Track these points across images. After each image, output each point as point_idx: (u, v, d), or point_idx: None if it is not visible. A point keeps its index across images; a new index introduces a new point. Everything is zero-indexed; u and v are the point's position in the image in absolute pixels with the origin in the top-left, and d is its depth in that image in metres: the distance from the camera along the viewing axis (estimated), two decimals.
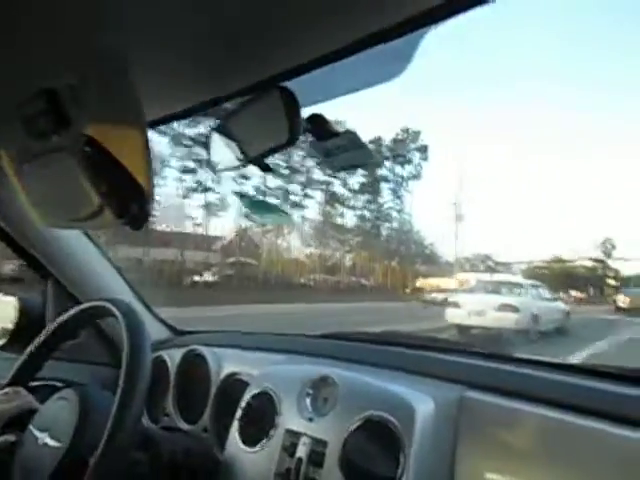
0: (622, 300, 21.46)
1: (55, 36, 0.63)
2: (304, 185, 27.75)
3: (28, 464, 0.82)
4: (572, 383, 0.84)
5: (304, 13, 0.60)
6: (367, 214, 31.88)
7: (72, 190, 0.74)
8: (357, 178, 29.42)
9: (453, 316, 10.65)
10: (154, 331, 1.48)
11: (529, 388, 0.84)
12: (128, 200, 0.69)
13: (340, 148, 0.84)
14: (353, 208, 31.02)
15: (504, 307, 10.08)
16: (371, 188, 30.89)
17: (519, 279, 15.00)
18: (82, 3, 0.56)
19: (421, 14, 0.59)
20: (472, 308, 10.29)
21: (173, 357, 1.36)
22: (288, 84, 0.73)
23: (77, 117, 0.72)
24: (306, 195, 28.17)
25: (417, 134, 30.63)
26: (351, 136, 0.84)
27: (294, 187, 27.55)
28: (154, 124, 0.88)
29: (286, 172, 26.35)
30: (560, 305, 12.61)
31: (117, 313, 0.87)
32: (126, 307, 0.89)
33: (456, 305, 10.93)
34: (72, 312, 0.99)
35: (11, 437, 0.87)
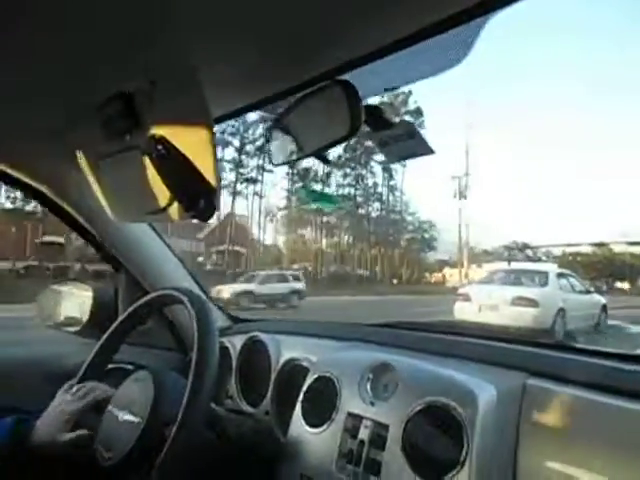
0: None
1: (130, 39, 0.67)
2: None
3: (110, 439, 0.88)
4: (634, 371, 0.83)
5: (365, 4, 0.61)
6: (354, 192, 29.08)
7: (144, 186, 0.79)
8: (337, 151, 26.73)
9: (462, 311, 8.98)
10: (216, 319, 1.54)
11: (591, 377, 0.83)
12: (197, 195, 0.73)
13: (396, 138, 0.85)
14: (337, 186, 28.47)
15: (520, 300, 8.33)
16: (356, 164, 28.15)
17: (545, 266, 12.44)
18: (153, 6, 0.60)
19: (481, 2, 0.59)
20: (484, 302, 8.62)
21: (234, 344, 1.42)
22: (348, 76, 0.75)
23: (149, 118, 0.76)
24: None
25: (408, 96, 27.71)
26: (406, 126, 0.85)
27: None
28: (218, 120, 0.92)
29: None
30: (595, 297, 10.64)
31: (186, 301, 0.92)
32: (195, 296, 0.94)
33: (467, 298, 9.23)
34: (144, 299, 1.05)
35: (84, 432, 0.93)
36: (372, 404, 0.95)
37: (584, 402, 0.79)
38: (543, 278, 9.28)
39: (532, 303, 8.27)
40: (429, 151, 0.87)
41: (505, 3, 0.60)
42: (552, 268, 10.94)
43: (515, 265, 12.73)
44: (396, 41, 0.68)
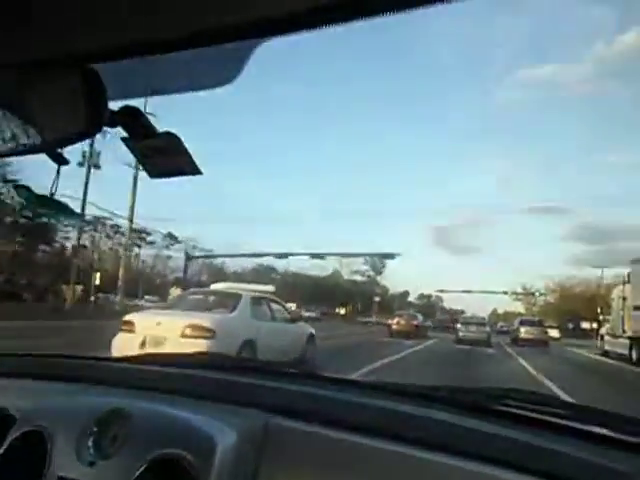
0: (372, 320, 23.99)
1: None
2: None
3: None
4: (376, 405, 0.87)
5: None
6: None
7: None
8: None
9: (121, 346, 6.69)
10: None
11: (334, 411, 0.84)
12: None
13: (158, 151, 0.74)
14: None
15: (192, 331, 6.66)
16: None
17: (248, 286, 10.29)
18: None
19: (261, 20, 0.55)
20: (150, 333, 6.73)
21: None
22: (99, 68, 0.61)
23: None
24: None
25: None
26: (172, 139, 0.74)
27: None
28: None
29: None
30: (302, 326, 9.31)
31: None
32: None
33: (131, 329, 6.98)
34: None
35: None
36: (91, 464, 0.78)
37: (324, 439, 0.79)
38: (235, 302, 7.62)
39: (208, 333, 6.65)
40: (196, 171, 0.78)
41: (285, 30, 0.57)
42: (254, 289, 9.33)
43: (219, 285, 10.18)
44: (164, 42, 0.59)
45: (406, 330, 24.25)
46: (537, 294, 64.36)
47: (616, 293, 18.65)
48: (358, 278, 79.10)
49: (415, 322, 25.76)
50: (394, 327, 25.39)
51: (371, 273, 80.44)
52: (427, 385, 1.08)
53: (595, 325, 39.26)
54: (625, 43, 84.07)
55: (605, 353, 18.82)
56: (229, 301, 7.77)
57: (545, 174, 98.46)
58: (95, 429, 0.82)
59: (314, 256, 41.48)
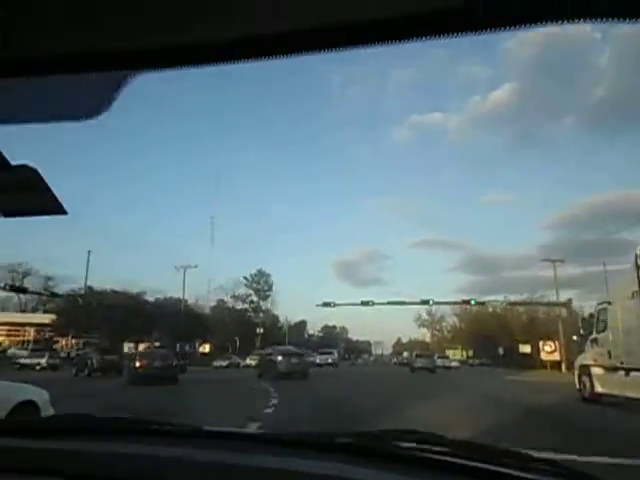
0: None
1: None
2: None
3: None
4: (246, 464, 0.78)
5: None
6: None
7: None
8: None
9: None
10: None
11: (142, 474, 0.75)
12: None
13: (12, 185, 0.65)
14: None
15: None
16: None
17: None
18: None
19: (123, 54, 0.51)
20: None
21: None
22: None
23: None
24: None
25: None
26: (30, 173, 0.66)
27: None
28: None
29: None
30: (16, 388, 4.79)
31: None
32: None
33: None
34: None
35: None
36: None
37: None
38: None
39: None
40: (60, 210, 0.70)
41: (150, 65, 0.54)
42: None
43: None
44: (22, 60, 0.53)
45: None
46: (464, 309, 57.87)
47: (620, 296, 10.46)
48: (239, 306, 63.00)
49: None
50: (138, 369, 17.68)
51: (254, 298, 64.95)
52: (319, 432, 1.01)
53: (527, 350, 39.08)
54: (495, 98, 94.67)
55: (593, 396, 11.10)
56: None
57: (435, 210, 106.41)
58: None
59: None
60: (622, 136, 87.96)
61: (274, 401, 10.23)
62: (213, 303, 60.23)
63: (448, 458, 0.83)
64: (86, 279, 40.25)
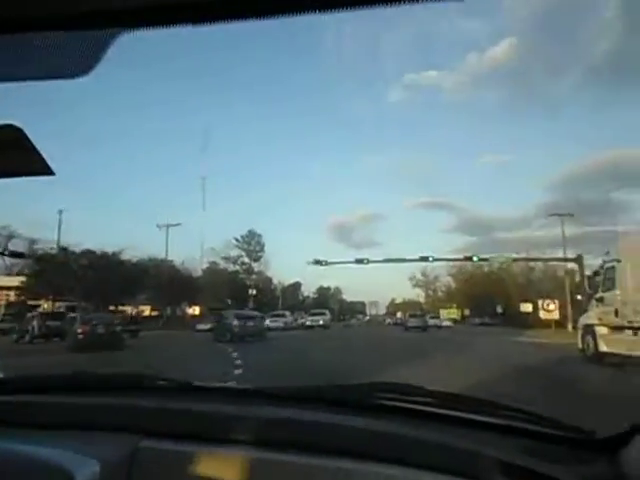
0: None
1: None
2: None
3: None
4: (254, 414, 0.83)
5: None
6: None
7: None
8: None
9: None
10: None
11: (210, 426, 0.80)
12: None
13: None
14: None
15: None
16: None
17: None
18: None
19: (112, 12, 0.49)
20: None
21: None
22: None
23: None
24: None
25: None
26: (14, 133, 0.64)
27: None
28: None
29: None
30: None
31: None
32: None
33: None
34: None
35: None
36: None
37: (197, 457, 0.74)
38: None
39: None
40: (47, 171, 0.68)
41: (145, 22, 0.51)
42: None
43: None
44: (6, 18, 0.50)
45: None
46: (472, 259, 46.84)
47: (631, 254, 10.31)
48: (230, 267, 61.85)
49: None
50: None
51: (246, 260, 63.68)
52: (306, 386, 1.07)
53: (529, 309, 37.39)
54: (494, 54, 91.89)
55: (597, 356, 10.75)
56: None
57: (433, 171, 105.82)
58: None
59: None
60: (626, 92, 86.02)
61: (238, 369, 9.44)
62: (206, 265, 58.73)
63: (428, 408, 0.85)
64: (59, 238, 39.28)
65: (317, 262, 40.29)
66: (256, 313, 25.57)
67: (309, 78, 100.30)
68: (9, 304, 41.47)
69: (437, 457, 0.70)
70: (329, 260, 40.53)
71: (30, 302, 39.62)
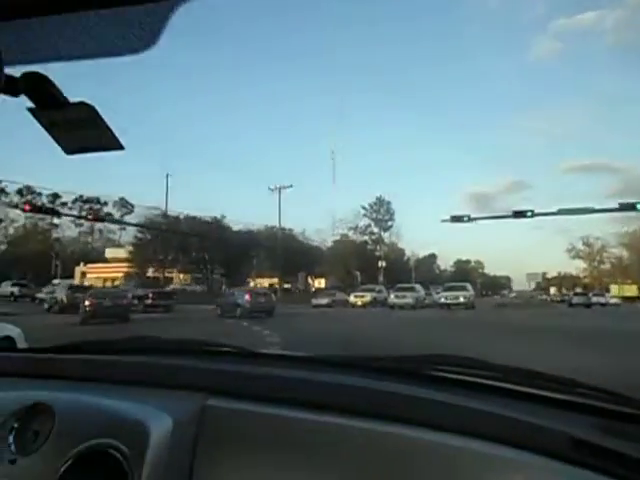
0: None
1: None
2: None
3: None
4: (317, 379, 0.83)
5: None
6: None
7: None
8: None
9: None
10: None
11: (273, 388, 0.81)
12: None
13: (71, 123, 0.69)
14: None
15: None
16: None
17: None
18: None
19: None
20: None
21: None
22: None
23: None
24: None
25: None
26: (87, 111, 0.69)
27: None
28: None
29: None
30: None
31: None
32: None
33: None
34: None
35: None
36: (13, 462, 0.76)
37: (265, 418, 0.76)
38: None
39: None
40: (118, 146, 0.73)
41: None
42: None
43: None
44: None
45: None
46: None
47: None
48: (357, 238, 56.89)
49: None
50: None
51: (375, 229, 58.27)
52: (364, 356, 1.06)
53: None
54: None
55: None
56: None
57: (588, 129, 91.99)
58: (16, 425, 0.80)
59: None
60: None
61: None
62: (337, 237, 56.30)
63: (492, 382, 0.83)
64: (166, 205, 38.08)
65: (456, 219, 29.18)
66: (265, 290, 25.51)
67: (448, 44, 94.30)
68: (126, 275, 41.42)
69: (503, 429, 0.67)
70: (472, 216, 29.28)
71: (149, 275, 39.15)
